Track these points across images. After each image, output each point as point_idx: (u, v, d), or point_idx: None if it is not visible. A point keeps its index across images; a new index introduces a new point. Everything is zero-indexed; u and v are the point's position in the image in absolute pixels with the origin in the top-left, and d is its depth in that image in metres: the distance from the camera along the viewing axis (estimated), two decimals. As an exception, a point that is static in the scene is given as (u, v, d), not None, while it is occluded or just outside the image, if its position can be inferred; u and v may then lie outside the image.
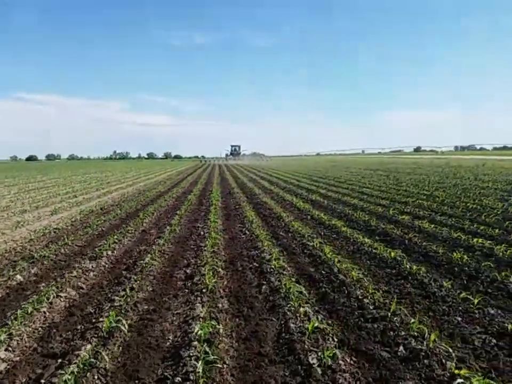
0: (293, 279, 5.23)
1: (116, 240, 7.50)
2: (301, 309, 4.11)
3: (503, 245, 6.67)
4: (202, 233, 8.20)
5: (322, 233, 8.49)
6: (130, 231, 8.46)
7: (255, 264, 6.10)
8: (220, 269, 5.70)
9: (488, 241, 7.03)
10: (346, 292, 4.82)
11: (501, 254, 6.27)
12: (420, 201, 12.30)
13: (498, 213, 10.04)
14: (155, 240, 7.63)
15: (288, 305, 4.24)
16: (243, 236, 8.03)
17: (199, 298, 4.49)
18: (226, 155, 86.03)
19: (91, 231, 8.62)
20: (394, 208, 11.52)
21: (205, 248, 6.73)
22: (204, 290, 4.73)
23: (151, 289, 5.06)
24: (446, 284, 4.96)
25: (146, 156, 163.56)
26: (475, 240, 7.09)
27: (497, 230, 7.90)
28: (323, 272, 5.68)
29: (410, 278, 5.32)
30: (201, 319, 3.87)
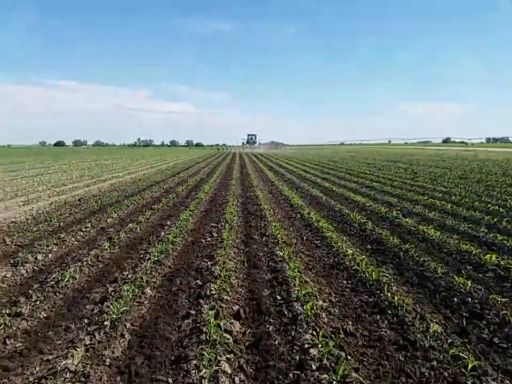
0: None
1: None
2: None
3: (524, 265, 5.19)
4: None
5: (304, 238, 7.20)
6: (85, 229, 7.44)
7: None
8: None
9: (504, 259, 5.56)
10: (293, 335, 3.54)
11: (519, 279, 4.80)
12: (432, 200, 10.72)
13: (525, 217, 8.41)
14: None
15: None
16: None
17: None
18: (243, 143, 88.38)
19: (35, 230, 7.60)
20: (402, 207, 10.03)
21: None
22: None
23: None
24: (434, 328, 3.58)
25: (169, 144, 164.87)
26: (488, 256, 5.60)
27: (518, 243, 6.35)
28: (278, 297, 4.42)
29: (389, 313, 3.97)
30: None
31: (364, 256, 6.06)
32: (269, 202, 11.00)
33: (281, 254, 5.70)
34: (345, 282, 4.94)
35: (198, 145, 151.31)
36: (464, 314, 3.96)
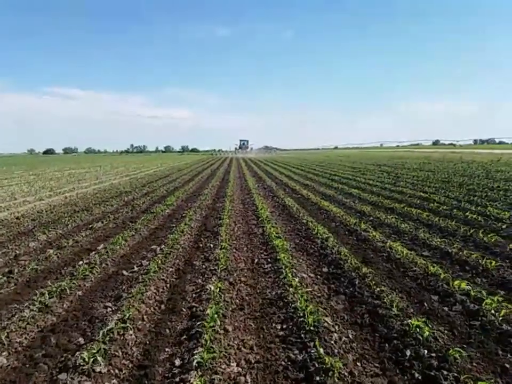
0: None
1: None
2: None
3: (497, 295, 4.30)
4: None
5: (254, 261, 6.25)
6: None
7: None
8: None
9: (476, 284, 4.68)
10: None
11: (492, 317, 3.90)
12: (408, 209, 9.86)
13: (503, 227, 7.57)
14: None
15: None
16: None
17: None
18: (236, 149, 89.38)
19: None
20: (374, 218, 9.17)
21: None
22: None
23: None
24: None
25: (163, 150, 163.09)
26: (457, 283, 4.70)
27: (493, 262, 5.46)
28: (178, 361, 3.45)
29: (316, 381, 3.02)
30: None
31: (314, 285, 5.16)
32: (234, 216, 10.07)
33: (212, 288, 4.73)
34: (279, 327, 3.99)
35: (194, 150, 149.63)
36: (416, 376, 3.04)
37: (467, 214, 8.87)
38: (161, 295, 4.83)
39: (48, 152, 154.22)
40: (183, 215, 9.96)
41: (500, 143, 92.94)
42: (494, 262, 5.46)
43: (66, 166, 37.45)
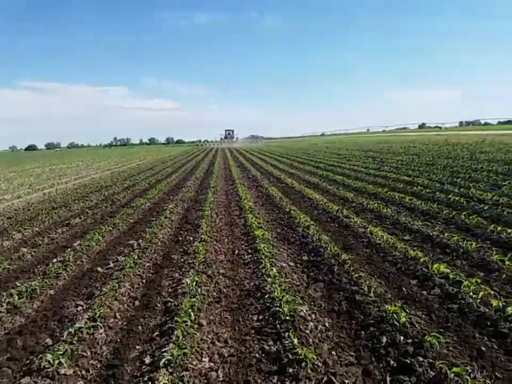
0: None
1: None
2: None
3: (476, 277, 4.27)
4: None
5: (235, 252, 6.13)
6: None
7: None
8: None
9: (457, 266, 4.65)
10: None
11: (470, 299, 3.85)
12: (391, 193, 9.84)
13: (485, 208, 7.58)
14: None
15: None
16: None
17: None
18: (221, 139, 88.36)
19: None
20: (357, 203, 9.13)
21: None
22: None
23: None
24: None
25: (148, 142, 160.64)
26: (436, 266, 4.66)
27: (474, 244, 5.44)
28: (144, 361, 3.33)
29: (289, 373, 2.93)
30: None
31: (293, 273, 5.07)
32: (216, 207, 9.92)
33: (189, 282, 4.60)
34: (255, 318, 3.89)
35: (179, 142, 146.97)
36: (392, 363, 2.97)
37: (450, 196, 8.88)
38: (136, 291, 4.69)
39: (30, 148, 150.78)
40: (164, 208, 9.77)
41: (486, 124, 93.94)
42: (474, 244, 5.44)
43: (48, 162, 36.64)
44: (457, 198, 8.62)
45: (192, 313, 3.75)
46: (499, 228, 6.09)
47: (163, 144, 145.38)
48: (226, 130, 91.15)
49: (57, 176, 20.21)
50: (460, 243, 5.58)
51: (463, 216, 7.04)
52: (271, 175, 16.63)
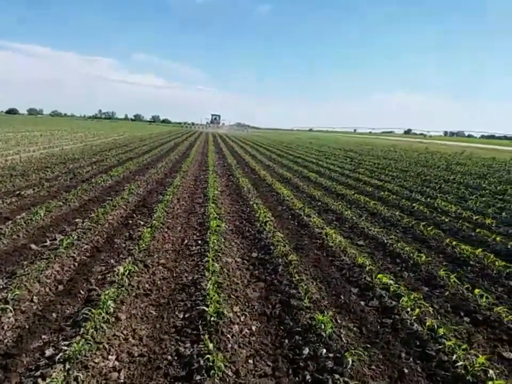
0: None
1: None
2: None
3: (420, 291, 4.15)
4: None
5: (188, 249, 5.87)
6: None
7: None
8: None
9: (399, 278, 4.53)
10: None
11: (406, 315, 3.72)
12: (358, 196, 9.75)
13: (446, 221, 7.56)
14: None
15: None
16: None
17: None
18: (207, 123, 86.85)
19: None
20: (322, 203, 9.02)
21: None
22: None
23: None
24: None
25: (133, 118, 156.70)
26: (379, 276, 4.54)
27: (424, 257, 5.35)
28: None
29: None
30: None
31: (238, 270, 4.88)
32: (180, 192, 9.63)
33: (122, 271, 4.31)
34: (181, 316, 3.65)
35: (165, 121, 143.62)
36: (307, 378, 2.81)
37: (414, 205, 8.84)
38: (64, 274, 4.38)
39: (12, 112, 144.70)
40: (125, 188, 9.39)
41: (469, 136, 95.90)
42: (424, 257, 5.36)
43: (23, 128, 35.18)
44: (421, 208, 8.59)
45: (111, 306, 3.49)
46: (454, 243, 6.05)
47: (148, 121, 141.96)
48: (212, 115, 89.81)
49: (27, 144, 19.34)
50: (411, 254, 5.49)
51: (422, 227, 6.98)
52: (247, 165, 16.37)
